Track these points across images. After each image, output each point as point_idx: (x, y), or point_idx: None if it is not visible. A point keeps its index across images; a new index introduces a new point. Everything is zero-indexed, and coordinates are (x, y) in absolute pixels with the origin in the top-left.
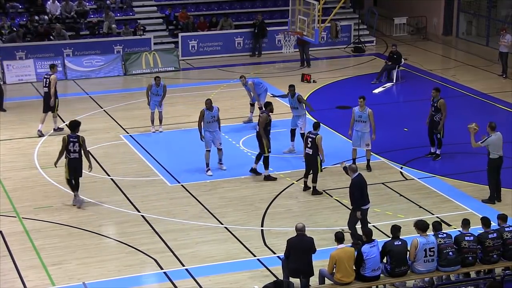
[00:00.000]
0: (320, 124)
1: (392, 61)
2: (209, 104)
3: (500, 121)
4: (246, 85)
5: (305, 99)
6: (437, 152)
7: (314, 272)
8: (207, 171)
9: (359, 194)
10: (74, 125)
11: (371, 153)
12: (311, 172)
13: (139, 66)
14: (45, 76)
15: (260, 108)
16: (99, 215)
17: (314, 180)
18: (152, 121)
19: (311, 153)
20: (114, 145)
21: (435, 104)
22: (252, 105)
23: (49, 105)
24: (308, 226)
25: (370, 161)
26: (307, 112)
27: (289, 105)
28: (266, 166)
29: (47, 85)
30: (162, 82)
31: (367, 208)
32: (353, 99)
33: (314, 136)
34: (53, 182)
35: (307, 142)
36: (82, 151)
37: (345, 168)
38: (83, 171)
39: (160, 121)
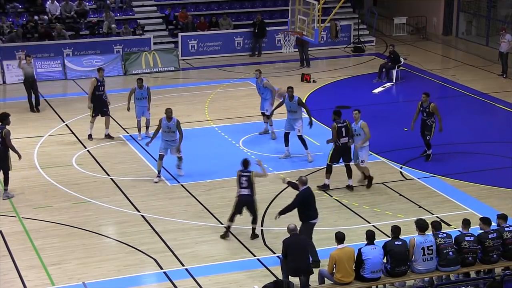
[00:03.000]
0: (249, 161)
1: (391, 61)
2: (169, 113)
3: (500, 121)
4: (260, 83)
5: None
6: (428, 152)
7: (313, 271)
8: (155, 178)
9: (303, 208)
10: (2, 117)
11: (366, 169)
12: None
13: (139, 66)
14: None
15: (266, 114)
16: (99, 215)
17: (255, 221)
18: (139, 129)
19: (247, 193)
20: (114, 145)
21: (427, 109)
22: (264, 114)
23: (106, 107)
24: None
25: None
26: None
27: (286, 108)
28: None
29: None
30: (145, 84)
31: (315, 223)
32: (353, 99)
33: (249, 174)
34: (53, 182)
35: (241, 182)
36: (9, 145)
37: (289, 183)
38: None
39: (147, 127)
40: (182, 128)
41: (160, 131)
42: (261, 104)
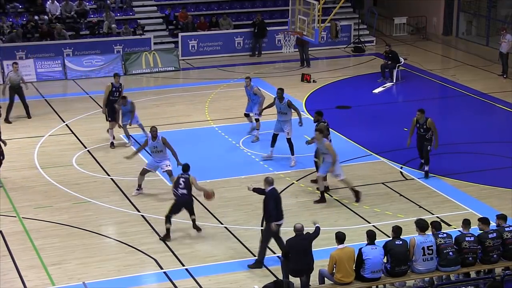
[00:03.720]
0: (189, 166)
1: (390, 61)
2: (153, 132)
3: (500, 121)
4: (251, 89)
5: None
6: (425, 169)
7: (313, 269)
8: (134, 191)
9: (273, 206)
10: None
11: (346, 181)
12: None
13: (139, 66)
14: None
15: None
16: (99, 215)
17: (193, 213)
18: (128, 136)
19: (186, 193)
20: (114, 145)
21: (424, 125)
22: (247, 116)
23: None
24: (308, 226)
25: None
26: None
27: (276, 110)
28: None
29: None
30: (129, 100)
31: (280, 224)
32: (353, 99)
33: (188, 177)
34: (53, 182)
35: (179, 183)
36: None
37: (254, 190)
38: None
39: (143, 129)
40: (183, 128)
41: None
42: (248, 106)
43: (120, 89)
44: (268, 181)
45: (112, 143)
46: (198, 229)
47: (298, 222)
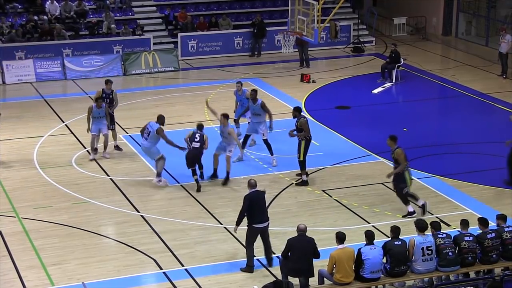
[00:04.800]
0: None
1: (390, 60)
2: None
3: (500, 121)
4: (242, 94)
5: (267, 105)
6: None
7: (314, 273)
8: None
9: (243, 208)
10: None
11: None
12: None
13: (138, 66)
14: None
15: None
16: (98, 215)
17: (201, 165)
18: (94, 148)
19: (198, 147)
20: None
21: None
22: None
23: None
24: (307, 226)
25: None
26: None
27: (250, 111)
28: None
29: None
30: (104, 104)
31: (259, 228)
32: (353, 99)
33: (203, 134)
34: (52, 182)
35: (195, 137)
36: None
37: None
38: None
39: (105, 147)
40: (183, 128)
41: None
42: (238, 111)
43: (111, 96)
44: (250, 184)
45: (116, 146)
46: (199, 188)
47: (302, 222)
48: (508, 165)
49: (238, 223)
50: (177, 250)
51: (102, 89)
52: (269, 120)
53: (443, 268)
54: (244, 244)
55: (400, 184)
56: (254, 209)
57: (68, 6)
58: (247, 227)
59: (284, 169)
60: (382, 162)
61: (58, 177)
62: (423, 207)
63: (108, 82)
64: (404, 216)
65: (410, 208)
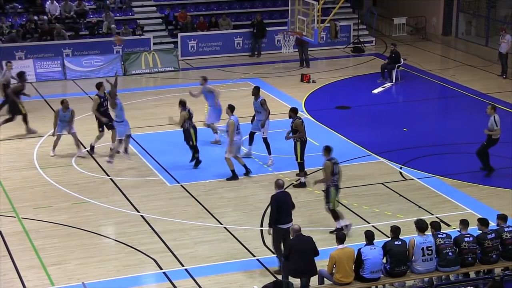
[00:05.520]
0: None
1: (390, 60)
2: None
3: (500, 121)
4: (205, 89)
5: (266, 104)
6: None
7: (317, 271)
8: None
9: (273, 209)
10: None
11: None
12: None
13: (138, 66)
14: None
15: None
16: (98, 215)
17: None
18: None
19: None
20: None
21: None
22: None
23: (112, 121)
24: (307, 226)
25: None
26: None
27: (254, 108)
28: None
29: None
30: (70, 108)
31: (284, 228)
32: (353, 99)
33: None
34: (52, 182)
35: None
36: None
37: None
38: None
39: (78, 146)
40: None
41: None
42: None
43: (106, 98)
44: (277, 184)
45: (93, 147)
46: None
47: (299, 222)
48: (480, 157)
49: (271, 224)
50: (177, 250)
51: (97, 95)
52: (264, 118)
53: (443, 268)
54: (272, 249)
55: (326, 199)
56: (280, 209)
57: (68, 6)
58: (271, 229)
59: (284, 169)
60: (382, 162)
61: (58, 177)
62: (346, 227)
63: (101, 85)
64: (331, 232)
65: (339, 224)
